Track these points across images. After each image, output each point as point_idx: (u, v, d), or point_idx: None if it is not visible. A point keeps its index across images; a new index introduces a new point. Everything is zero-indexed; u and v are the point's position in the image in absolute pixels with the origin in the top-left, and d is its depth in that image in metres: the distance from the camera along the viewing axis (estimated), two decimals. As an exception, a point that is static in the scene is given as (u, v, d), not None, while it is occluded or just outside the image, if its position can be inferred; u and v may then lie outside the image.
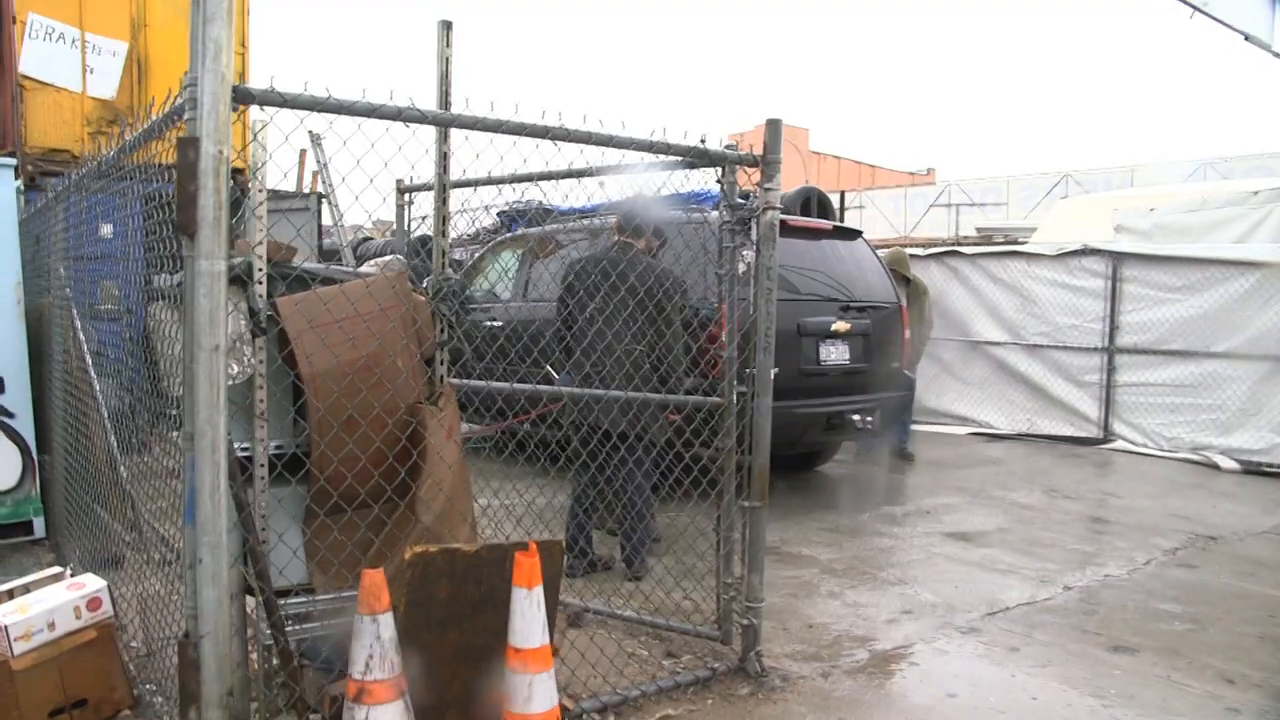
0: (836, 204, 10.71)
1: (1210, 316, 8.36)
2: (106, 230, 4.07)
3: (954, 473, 7.80)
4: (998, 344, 9.77)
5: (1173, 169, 19.69)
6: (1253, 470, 7.98)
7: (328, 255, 14.00)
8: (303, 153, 13.50)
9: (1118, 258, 8.94)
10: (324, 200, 12.13)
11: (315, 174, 13.13)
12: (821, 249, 6.53)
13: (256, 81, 4.35)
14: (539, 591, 2.57)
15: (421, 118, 3.09)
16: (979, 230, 17.22)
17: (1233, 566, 5.27)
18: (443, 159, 3.43)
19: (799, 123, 52.90)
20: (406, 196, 5.17)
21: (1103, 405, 9.03)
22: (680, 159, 3.55)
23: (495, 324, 7.02)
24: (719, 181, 3.61)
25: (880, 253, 7.31)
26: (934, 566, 5.12)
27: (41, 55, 7.99)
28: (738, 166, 3.53)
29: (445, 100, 3.45)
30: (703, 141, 3.33)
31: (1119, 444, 8.87)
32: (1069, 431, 9.22)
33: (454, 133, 3.11)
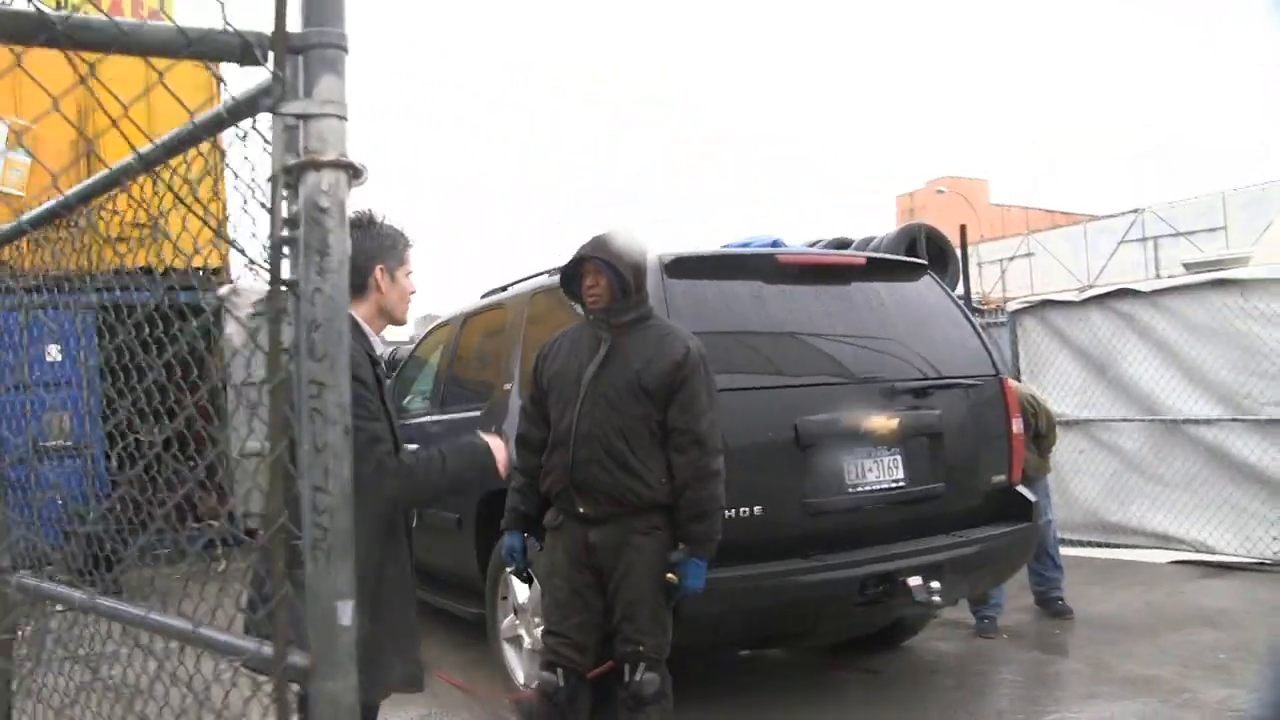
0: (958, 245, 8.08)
1: None
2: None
3: (1134, 645, 4.79)
4: (1209, 422, 6.56)
5: None
6: None
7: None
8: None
9: (1398, 281, 5.70)
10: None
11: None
12: (848, 298, 4.02)
13: None
14: None
15: None
16: (1186, 267, 13.47)
17: None
18: None
19: (977, 174, 48.70)
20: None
21: (1398, 515, 5.67)
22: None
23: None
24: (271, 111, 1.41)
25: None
26: None
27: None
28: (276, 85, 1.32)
29: None
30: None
31: None
32: (1342, 556, 5.88)
33: None
